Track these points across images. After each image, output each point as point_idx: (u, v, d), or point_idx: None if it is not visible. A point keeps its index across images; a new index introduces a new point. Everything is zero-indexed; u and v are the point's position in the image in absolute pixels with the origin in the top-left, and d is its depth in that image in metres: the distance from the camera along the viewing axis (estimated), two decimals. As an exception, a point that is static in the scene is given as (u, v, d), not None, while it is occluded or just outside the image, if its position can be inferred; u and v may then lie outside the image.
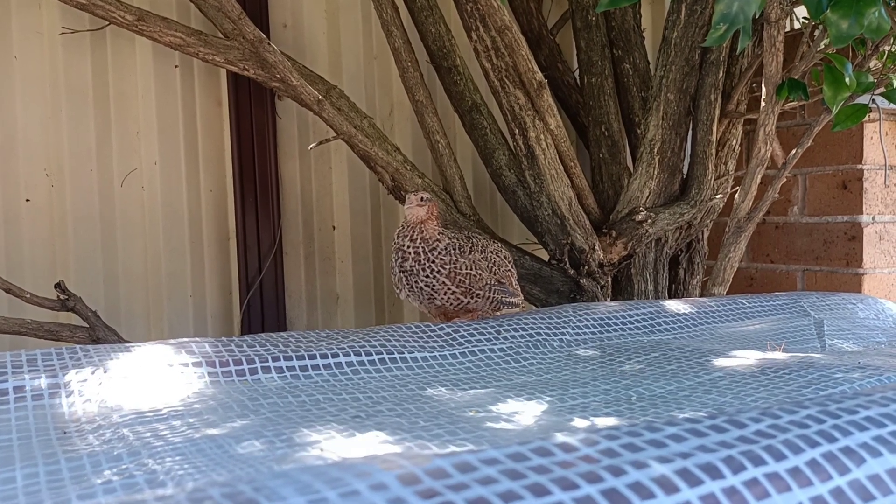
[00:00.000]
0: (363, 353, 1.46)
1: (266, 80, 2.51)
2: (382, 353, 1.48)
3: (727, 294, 2.63)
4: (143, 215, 2.85)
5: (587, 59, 2.89)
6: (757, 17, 2.45)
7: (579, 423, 1.09)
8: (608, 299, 2.74)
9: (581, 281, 2.64)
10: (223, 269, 2.98)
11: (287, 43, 2.98)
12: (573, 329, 1.74)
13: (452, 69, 2.74)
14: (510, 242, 2.79)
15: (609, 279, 2.73)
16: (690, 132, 2.79)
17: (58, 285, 2.33)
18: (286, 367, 1.38)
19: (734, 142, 2.89)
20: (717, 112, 2.74)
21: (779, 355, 1.48)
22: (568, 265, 2.62)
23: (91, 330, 2.35)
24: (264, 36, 2.29)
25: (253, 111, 2.95)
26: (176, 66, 2.86)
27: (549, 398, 1.24)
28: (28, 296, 2.28)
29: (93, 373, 1.27)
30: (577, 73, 3.08)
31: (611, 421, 1.09)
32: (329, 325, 3.13)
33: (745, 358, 1.46)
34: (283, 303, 3.06)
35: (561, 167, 2.62)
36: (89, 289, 2.75)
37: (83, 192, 2.76)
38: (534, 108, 2.55)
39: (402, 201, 2.68)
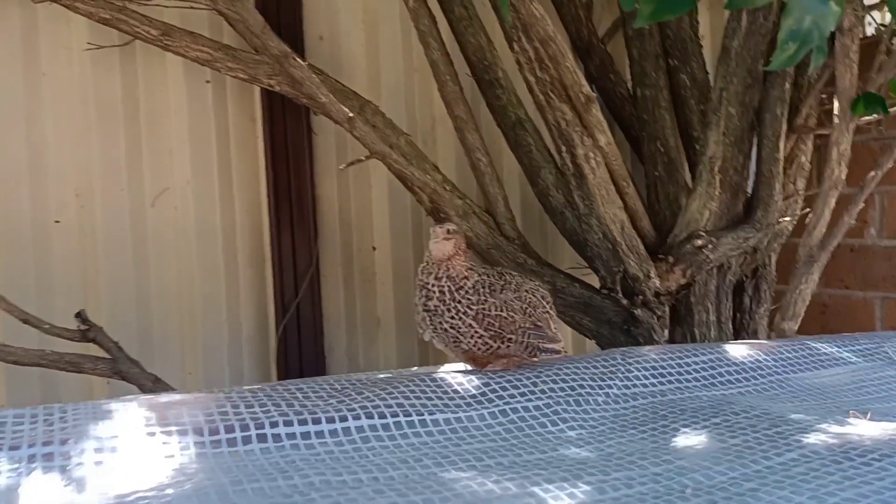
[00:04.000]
0: (376, 416, 1.25)
1: (295, 96, 2.34)
2: (399, 416, 1.27)
3: (799, 328, 2.35)
4: (176, 236, 2.69)
5: (640, 70, 2.63)
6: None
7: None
8: (665, 330, 2.48)
9: (635, 311, 2.39)
10: (258, 291, 2.82)
11: (323, 56, 2.80)
12: (621, 381, 1.50)
13: (494, 82, 2.52)
14: (558, 268, 2.56)
15: (666, 309, 2.47)
16: (755, 149, 2.51)
17: (78, 315, 2.18)
18: (286, 433, 1.19)
19: (803, 159, 2.60)
20: (784, 127, 2.45)
21: (865, 427, 1.23)
22: (620, 295, 2.38)
23: (113, 362, 2.20)
24: (289, 50, 2.11)
25: (288, 127, 2.77)
26: (208, 82, 2.70)
27: (586, 486, 1.02)
28: (47, 327, 2.14)
29: (63, 443, 1.10)
30: (630, 85, 2.83)
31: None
32: (369, 351, 2.94)
33: (824, 431, 1.21)
34: (321, 327, 2.88)
35: (612, 187, 2.37)
36: (120, 312, 2.61)
37: (114, 213, 2.61)
38: (582, 123, 2.31)
39: (442, 223, 2.48)
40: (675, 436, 1.24)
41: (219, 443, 1.15)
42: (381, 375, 1.86)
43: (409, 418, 1.28)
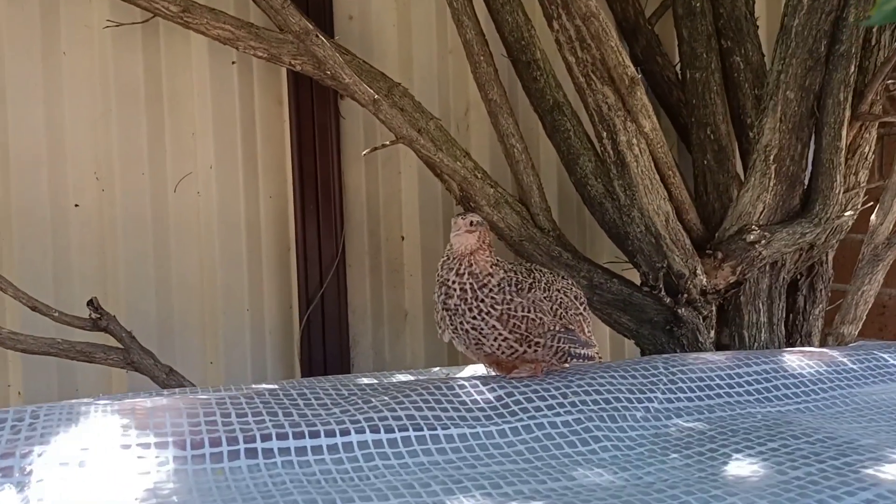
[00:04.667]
0: (382, 429, 1.10)
1: (320, 77, 2.19)
2: (408, 430, 1.11)
3: (859, 332, 2.14)
4: (199, 222, 2.57)
5: (690, 51, 2.43)
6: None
7: None
8: (711, 332, 2.29)
9: (679, 311, 2.20)
10: (282, 281, 2.68)
11: (353, 36, 2.64)
12: (663, 393, 1.32)
13: (532, 64, 2.34)
14: (596, 262, 2.38)
15: (713, 308, 2.28)
16: (814, 137, 2.29)
17: (90, 303, 2.07)
18: (278, 448, 1.03)
19: (867, 149, 2.37)
20: (848, 114, 2.23)
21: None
22: (663, 293, 2.19)
23: (125, 352, 2.08)
24: (311, 27, 1.95)
25: (315, 111, 2.62)
26: (233, 63, 2.56)
27: (620, 527, 0.85)
28: (56, 314, 2.03)
29: (25, 456, 0.96)
30: (678, 68, 2.62)
31: None
32: (396, 345, 2.79)
33: (903, 462, 1.02)
34: (346, 319, 2.73)
35: (656, 176, 2.19)
36: (140, 300, 2.50)
37: (135, 197, 2.49)
38: (625, 107, 2.12)
39: (465, 213, 2.31)
40: (725, 463, 1.06)
41: (202, 458, 1.00)
42: (400, 377, 1.71)
43: (419, 433, 1.12)
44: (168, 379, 2.04)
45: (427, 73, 2.74)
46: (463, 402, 1.22)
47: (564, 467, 1.07)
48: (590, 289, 2.27)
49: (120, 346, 2.09)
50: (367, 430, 1.10)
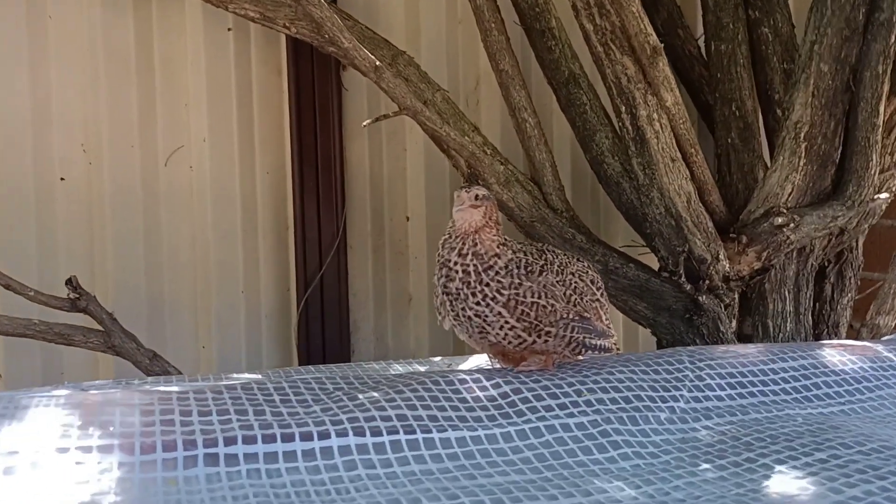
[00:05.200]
0: (368, 431, 0.93)
1: (320, 44, 2.02)
2: (398, 432, 0.95)
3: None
4: (191, 198, 2.41)
5: (716, 22, 2.25)
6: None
7: None
8: (733, 321, 2.12)
9: (699, 298, 2.03)
10: (280, 261, 2.53)
11: (357, 4, 2.46)
12: (689, 391, 1.15)
13: (546, 32, 2.17)
14: (611, 246, 2.21)
15: (736, 296, 2.11)
16: (848, 113, 2.11)
17: (69, 282, 1.92)
18: (244, 454, 0.88)
19: (905, 126, 2.20)
20: (886, 88, 2.05)
21: None
22: (683, 279, 2.02)
23: (106, 335, 1.93)
24: (308, -16, 1.79)
25: (316, 82, 2.45)
26: (229, 29, 2.40)
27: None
28: (32, 293, 1.88)
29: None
30: (701, 42, 2.44)
31: None
32: (399, 331, 2.63)
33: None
34: (347, 302, 2.58)
35: (678, 154, 2.02)
36: (128, 279, 2.35)
37: (124, 171, 2.34)
38: (646, 79, 1.95)
39: (469, 186, 2.15)
40: (767, 477, 0.90)
41: (152, 465, 0.85)
42: (398, 367, 1.55)
43: (410, 436, 0.95)
44: (151, 364, 1.89)
45: (435, 44, 2.57)
46: (463, 400, 1.06)
47: (579, 479, 0.90)
48: (605, 274, 2.11)
49: (101, 328, 1.93)
50: (351, 433, 0.94)
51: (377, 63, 1.86)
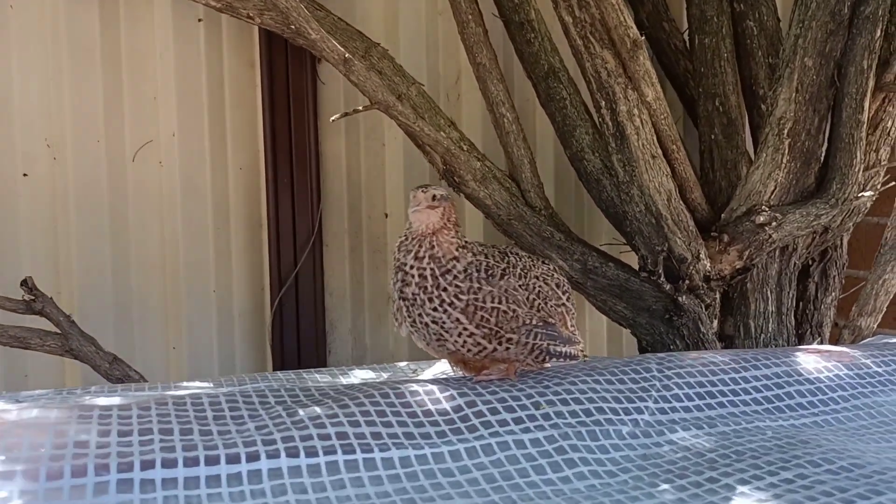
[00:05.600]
0: (303, 452, 0.86)
1: (291, 36, 1.95)
2: (336, 452, 0.87)
3: (878, 325, 1.90)
4: (160, 195, 2.34)
5: (700, 15, 2.19)
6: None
7: None
8: (714, 322, 2.06)
9: (680, 298, 1.98)
10: (253, 260, 2.45)
11: (332, -5, 2.39)
12: (655, 402, 1.09)
13: (525, 24, 2.11)
14: (591, 244, 2.15)
15: (717, 296, 2.05)
16: (832, 109, 2.05)
17: (24, 283, 1.84)
18: (162, 479, 0.80)
19: (889, 123, 2.15)
20: (871, 83, 2.01)
21: None
22: (663, 278, 1.96)
23: (63, 338, 1.85)
24: (273, -27, 1.72)
25: (290, 75, 2.38)
26: (200, 20, 2.32)
27: None
28: (-16, 294, 1.81)
29: None
30: (686, 35, 2.38)
31: None
32: (377, 331, 2.57)
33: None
34: (323, 302, 2.51)
35: (659, 150, 1.96)
36: (94, 279, 2.27)
37: (89, 167, 2.26)
38: (626, 73, 1.89)
39: (458, 188, 2.08)
40: (727, 500, 0.83)
41: (58, 492, 0.77)
42: (360, 373, 1.48)
43: (350, 456, 0.88)
44: (111, 368, 1.81)
45: (414, 36, 2.50)
46: (413, 415, 0.99)
47: (528, 502, 0.84)
48: (583, 273, 2.05)
49: (58, 331, 1.85)
50: (283, 454, 0.87)
51: (346, 55, 1.78)
